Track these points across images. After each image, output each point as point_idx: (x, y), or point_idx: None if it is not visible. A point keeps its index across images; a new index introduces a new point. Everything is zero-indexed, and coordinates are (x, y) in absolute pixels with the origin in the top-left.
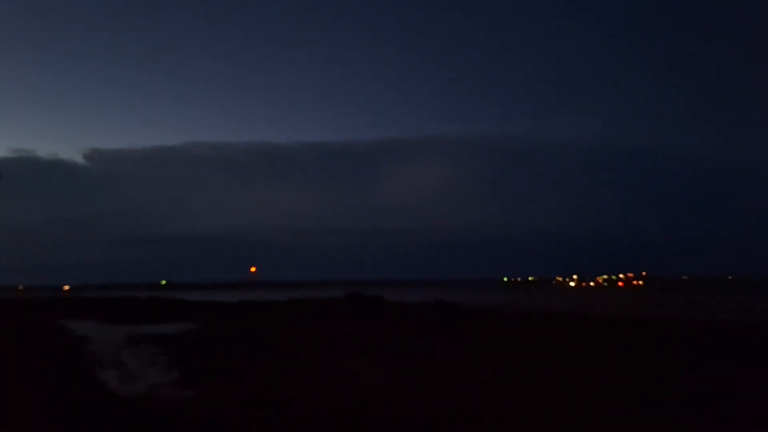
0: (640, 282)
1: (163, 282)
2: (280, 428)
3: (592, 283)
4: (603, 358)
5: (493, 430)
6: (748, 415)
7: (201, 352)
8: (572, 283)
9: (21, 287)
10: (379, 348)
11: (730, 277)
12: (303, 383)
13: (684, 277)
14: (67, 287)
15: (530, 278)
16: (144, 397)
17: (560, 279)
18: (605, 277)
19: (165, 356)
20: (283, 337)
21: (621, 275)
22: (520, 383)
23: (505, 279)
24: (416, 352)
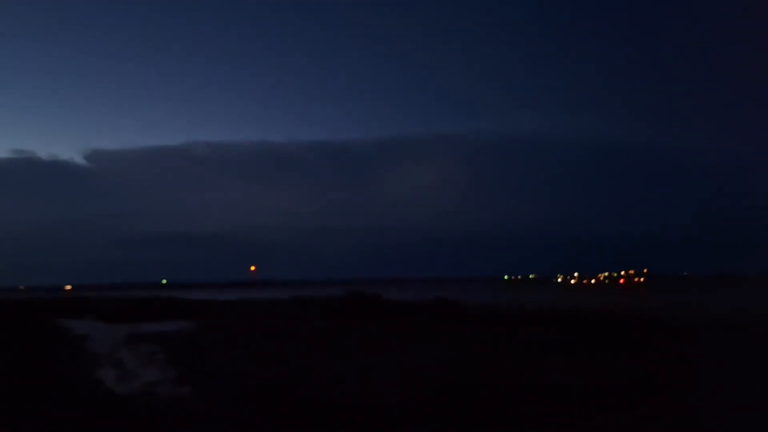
0: (642, 279)
1: (164, 281)
2: (273, 423)
3: (593, 281)
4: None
5: (479, 412)
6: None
7: (199, 350)
8: (573, 281)
9: (22, 287)
10: (374, 344)
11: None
12: (298, 379)
13: (685, 273)
14: (68, 287)
15: (531, 276)
16: (141, 394)
17: (561, 277)
18: (606, 274)
19: (163, 354)
20: (281, 335)
21: (622, 272)
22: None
23: (506, 277)
24: (415, 350)
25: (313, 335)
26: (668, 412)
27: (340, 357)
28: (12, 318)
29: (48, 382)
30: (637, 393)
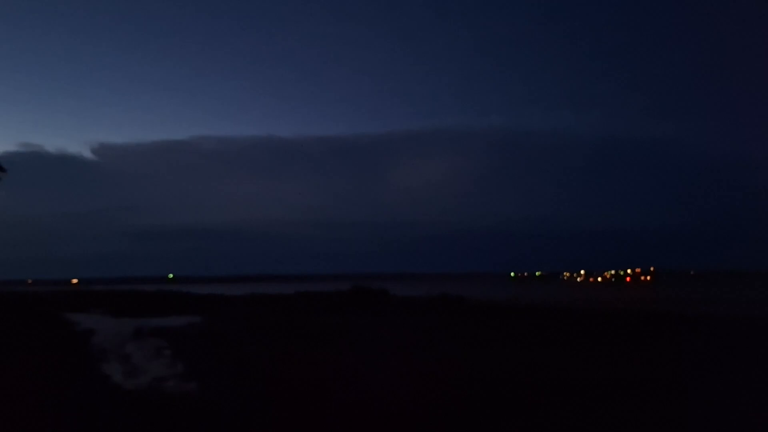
0: (648, 277)
1: (171, 275)
2: (280, 421)
3: (599, 279)
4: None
5: (481, 410)
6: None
7: (206, 345)
8: (579, 278)
9: (29, 281)
10: (381, 343)
11: None
12: (301, 377)
13: (692, 272)
14: (75, 281)
15: (537, 273)
16: (147, 390)
17: (568, 274)
18: (613, 272)
19: (170, 349)
20: (288, 330)
21: (629, 270)
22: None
23: (513, 274)
24: (418, 348)
25: (318, 331)
26: (668, 412)
27: (343, 354)
28: (18, 311)
29: (50, 379)
30: (637, 391)
